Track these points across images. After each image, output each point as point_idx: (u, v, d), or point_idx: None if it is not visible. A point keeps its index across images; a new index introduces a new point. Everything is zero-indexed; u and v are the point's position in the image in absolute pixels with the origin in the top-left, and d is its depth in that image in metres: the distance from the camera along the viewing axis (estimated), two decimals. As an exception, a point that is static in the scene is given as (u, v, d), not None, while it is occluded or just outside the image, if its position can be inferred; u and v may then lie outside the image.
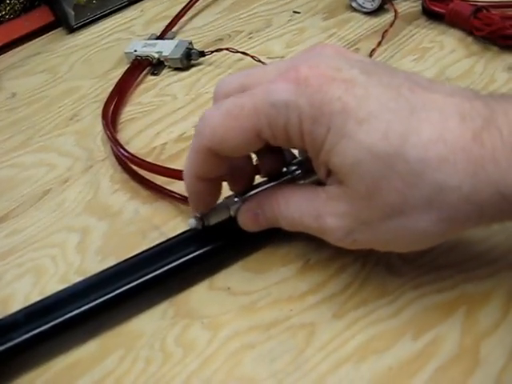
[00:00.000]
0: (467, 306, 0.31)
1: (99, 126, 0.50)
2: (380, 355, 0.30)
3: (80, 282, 0.35)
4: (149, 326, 0.34)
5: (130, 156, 0.42)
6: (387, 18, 0.56)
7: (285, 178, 0.34)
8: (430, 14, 0.54)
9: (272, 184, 0.34)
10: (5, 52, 0.65)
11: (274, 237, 0.36)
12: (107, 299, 0.33)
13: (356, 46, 0.53)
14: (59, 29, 0.68)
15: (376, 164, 0.26)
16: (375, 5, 0.55)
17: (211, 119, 0.30)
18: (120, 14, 0.68)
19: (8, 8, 0.65)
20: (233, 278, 0.35)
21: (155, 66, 0.56)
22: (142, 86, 0.55)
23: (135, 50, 0.56)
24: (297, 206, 0.31)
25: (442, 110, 0.26)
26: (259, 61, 0.51)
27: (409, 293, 0.32)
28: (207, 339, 0.32)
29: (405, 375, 0.29)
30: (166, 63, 0.56)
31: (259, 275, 0.35)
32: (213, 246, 0.35)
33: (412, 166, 0.25)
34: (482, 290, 0.32)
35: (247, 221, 0.34)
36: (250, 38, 0.58)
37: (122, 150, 0.43)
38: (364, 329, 0.31)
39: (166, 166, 0.42)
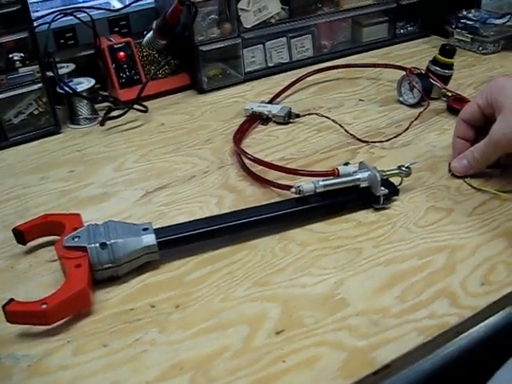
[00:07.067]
0: None
1: (226, 147, 0.77)
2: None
3: (219, 215, 0.60)
4: (262, 243, 0.58)
5: (255, 158, 0.68)
6: (422, 109, 0.83)
7: None
8: (452, 110, 0.81)
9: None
10: (155, 98, 0.94)
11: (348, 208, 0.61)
12: (237, 223, 0.58)
13: (400, 123, 0.80)
14: (191, 90, 0.97)
15: None
16: (415, 101, 0.84)
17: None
18: (237, 87, 0.98)
19: (161, 70, 0.95)
20: (317, 225, 0.60)
21: (264, 120, 0.84)
22: (255, 130, 0.82)
23: (252, 108, 0.85)
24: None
25: None
26: (337, 123, 0.78)
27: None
28: (298, 250, 0.56)
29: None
30: (272, 119, 0.84)
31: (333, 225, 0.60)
32: (304, 207, 0.60)
33: None
34: None
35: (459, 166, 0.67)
36: (329, 111, 0.86)
37: (249, 155, 0.69)
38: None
39: (280, 164, 0.68)
